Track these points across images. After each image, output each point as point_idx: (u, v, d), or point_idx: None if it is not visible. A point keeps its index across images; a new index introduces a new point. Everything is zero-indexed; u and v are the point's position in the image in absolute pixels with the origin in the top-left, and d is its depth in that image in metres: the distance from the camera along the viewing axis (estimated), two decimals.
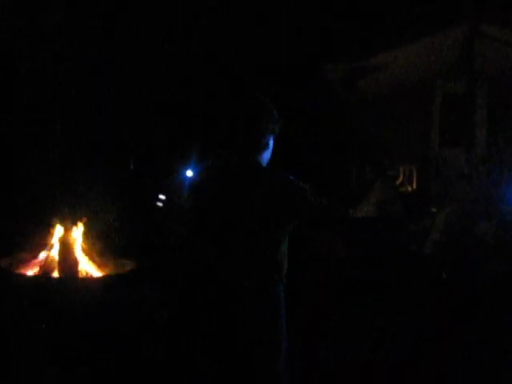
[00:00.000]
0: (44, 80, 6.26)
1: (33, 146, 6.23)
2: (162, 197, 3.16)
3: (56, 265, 4.84)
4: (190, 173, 6.65)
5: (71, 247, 4.94)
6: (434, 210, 6.65)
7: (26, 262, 4.98)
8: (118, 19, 7.11)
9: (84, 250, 5.08)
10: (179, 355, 3.92)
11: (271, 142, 2.78)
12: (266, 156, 2.78)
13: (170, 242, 5.04)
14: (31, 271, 4.91)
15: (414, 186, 7.64)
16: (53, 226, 5.06)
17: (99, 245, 5.16)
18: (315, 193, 2.68)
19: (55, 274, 4.81)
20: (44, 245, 5.08)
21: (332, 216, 2.74)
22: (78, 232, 5.07)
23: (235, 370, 2.65)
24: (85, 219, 5.15)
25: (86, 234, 5.13)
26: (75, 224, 5.09)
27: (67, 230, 5.00)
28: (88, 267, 5.01)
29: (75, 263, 4.87)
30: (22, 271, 4.85)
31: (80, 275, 4.85)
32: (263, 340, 2.64)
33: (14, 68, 6.50)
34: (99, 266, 5.08)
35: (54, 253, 4.95)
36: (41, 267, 4.87)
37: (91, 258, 5.08)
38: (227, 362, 2.64)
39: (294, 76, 8.28)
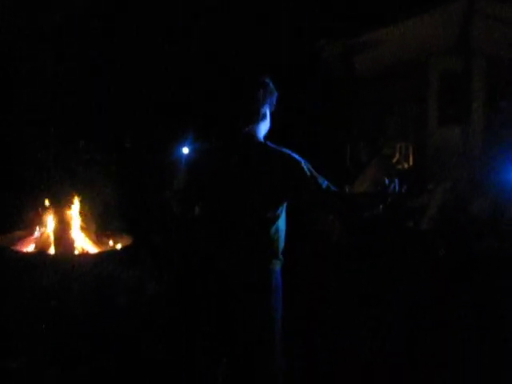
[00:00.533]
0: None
1: (31, 126, 6.21)
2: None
3: (52, 242, 4.84)
4: (185, 150, 6.65)
5: (67, 224, 4.92)
6: (430, 187, 6.65)
7: (22, 239, 4.97)
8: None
9: (80, 227, 5.07)
10: (176, 336, 3.93)
11: (268, 114, 2.76)
12: (264, 128, 2.76)
13: (167, 219, 5.05)
14: (27, 248, 4.90)
15: (411, 164, 7.64)
16: (48, 203, 5.04)
17: (95, 221, 5.15)
18: (312, 169, 2.67)
19: (51, 251, 4.81)
20: (40, 222, 5.07)
21: (329, 195, 2.70)
22: (73, 209, 5.05)
23: (234, 349, 2.66)
24: (81, 196, 5.13)
25: (81, 211, 5.12)
26: (71, 201, 5.07)
27: (63, 207, 4.99)
28: (84, 244, 5.00)
29: (71, 240, 4.86)
30: (18, 248, 4.84)
31: (76, 252, 4.84)
32: (259, 316, 2.64)
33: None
34: (95, 242, 5.07)
35: (50, 230, 4.94)
36: (36, 244, 4.87)
37: (87, 235, 5.07)
38: (227, 339, 2.65)
39: (291, 53, 8.24)
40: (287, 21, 8.19)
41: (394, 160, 7.39)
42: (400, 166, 7.41)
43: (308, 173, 2.63)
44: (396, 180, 2.78)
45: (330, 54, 8.20)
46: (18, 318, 3.98)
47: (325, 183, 2.66)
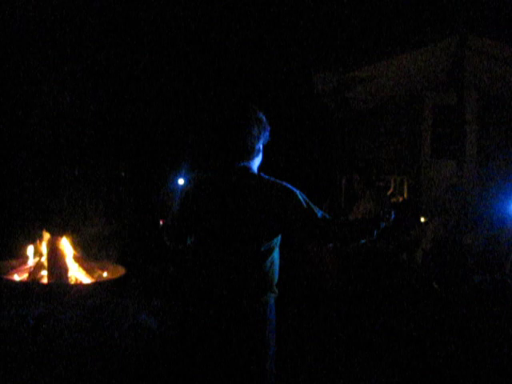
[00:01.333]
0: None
1: (23, 151, 6.22)
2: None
3: (45, 271, 4.83)
4: (181, 181, 6.68)
5: (61, 253, 4.91)
6: (424, 220, 6.68)
7: (16, 268, 4.96)
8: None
9: (74, 257, 5.06)
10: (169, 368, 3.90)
11: (261, 148, 2.78)
12: (258, 161, 2.78)
13: (162, 250, 5.04)
14: (20, 277, 4.88)
15: (405, 196, 7.68)
16: (42, 233, 5.04)
17: (89, 251, 5.15)
18: (307, 199, 2.68)
19: (44, 281, 4.79)
20: (34, 251, 5.06)
21: (323, 225, 2.71)
22: (67, 239, 5.05)
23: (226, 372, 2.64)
24: (74, 226, 5.14)
25: (75, 241, 5.12)
26: (65, 231, 5.07)
27: (57, 237, 4.98)
28: (78, 273, 4.99)
29: (65, 269, 4.85)
30: (11, 277, 4.83)
31: (70, 281, 4.83)
32: (252, 349, 2.62)
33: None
34: (89, 272, 5.06)
35: (44, 259, 4.93)
36: (30, 273, 4.85)
37: (81, 265, 5.06)
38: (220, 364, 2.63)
39: (285, 87, 8.34)
40: (282, 55, 8.30)
41: (389, 193, 7.44)
42: (394, 199, 7.45)
43: (304, 203, 2.64)
44: (392, 212, 2.79)
45: (325, 87, 8.28)
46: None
47: (320, 212, 2.67)
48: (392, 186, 7.64)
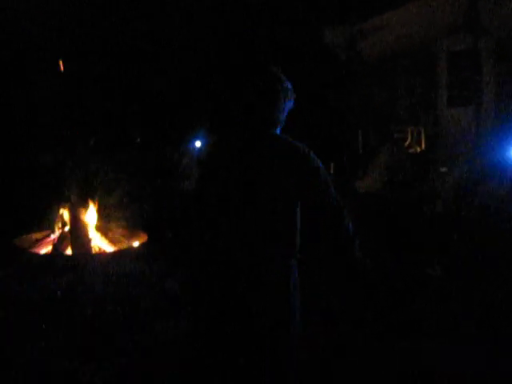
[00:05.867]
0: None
1: (44, 129, 6.24)
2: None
3: (69, 242, 4.89)
4: (198, 143, 6.66)
5: (83, 224, 4.97)
6: (442, 169, 6.61)
7: (40, 241, 5.03)
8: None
9: (96, 227, 5.11)
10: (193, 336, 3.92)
11: (285, 113, 2.74)
12: (281, 124, 2.74)
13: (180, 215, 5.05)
14: (45, 249, 4.95)
15: (423, 147, 7.58)
16: (65, 204, 5.08)
17: (111, 220, 5.19)
18: (327, 178, 2.65)
19: (68, 252, 4.85)
20: (57, 223, 5.11)
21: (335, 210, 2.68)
22: (89, 209, 5.09)
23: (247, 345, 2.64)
24: (96, 196, 5.17)
25: (97, 211, 5.16)
26: (87, 201, 5.11)
27: (79, 208, 5.03)
28: (100, 243, 5.05)
29: (88, 240, 4.90)
30: (36, 250, 4.89)
31: (93, 251, 4.89)
32: (279, 314, 2.62)
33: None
34: (111, 241, 5.12)
35: (67, 230, 4.99)
36: (54, 245, 4.91)
37: (103, 234, 5.11)
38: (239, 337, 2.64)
39: (297, 43, 8.20)
40: (292, 9, 8.13)
41: (406, 144, 7.35)
42: (412, 150, 7.36)
43: (321, 184, 2.62)
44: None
45: (336, 39, 8.13)
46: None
47: (334, 198, 2.65)
48: (409, 137, 7.54)
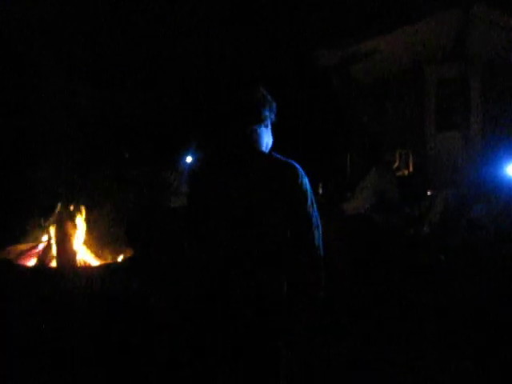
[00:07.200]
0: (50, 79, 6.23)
1: (31, 139, 6.20)
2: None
3: (54, 255, 4.84)
4: (189, 159, 6.66)
5: (69, 237, 4.93)
6: (430, 193, 6.66)
7: (24, 253, 4.98)
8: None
9: (82, 240, 5.08)
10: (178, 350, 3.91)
11: (269, 123, 2.75)
12: (267, 137, 2.74)
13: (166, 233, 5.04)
14: (29, 262, 4.90)
15: (411, 170, 7.64)
16: (50, 217, 5.05)
17: (97, 234, 5.15)
18: (312, 194, 2.65)
19: (53, 264, 4.81)
20: (42, 235, 5.07)
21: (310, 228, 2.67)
22: (75, 222, 5.06)
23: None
24: (82, 209, 5.14)
25: (84, 224, 5.13)
26: (73, 214, 5.07)
27: (65, 221, 4.99)
28: (86, 257, 5.01)
29: (73, 253, 4.86)
30: (21, 262, 4.84)
31: (78, 265, 4.85)
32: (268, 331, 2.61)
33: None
34: (97, 255, 5.08)
35: (52, 243, 4.94)
36: (39, 258, 4.87)
37: (89, 248, 5.08)
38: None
39: (288, 62, 8.28)
40: (284, 31, 8.22)
41: (394, 167, 7.40)
42: (400, 173, 7.41)
43: (304, 199, 2.62)
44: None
45: (328, 63, 8.22)
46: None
47: (312, 214, 2.64)
48: (397, 160, 7.60)
